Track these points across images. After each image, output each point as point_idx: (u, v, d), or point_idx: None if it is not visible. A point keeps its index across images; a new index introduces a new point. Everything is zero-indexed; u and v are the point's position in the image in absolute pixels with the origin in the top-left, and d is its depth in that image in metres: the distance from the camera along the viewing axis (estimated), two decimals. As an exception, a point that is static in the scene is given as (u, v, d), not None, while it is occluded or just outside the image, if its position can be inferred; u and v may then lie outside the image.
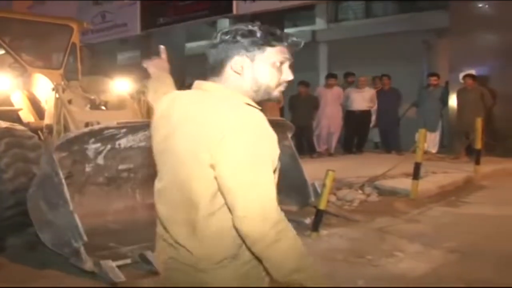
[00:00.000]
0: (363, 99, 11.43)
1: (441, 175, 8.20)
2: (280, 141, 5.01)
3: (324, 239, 4.98)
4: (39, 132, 5.95)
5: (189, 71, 17.28)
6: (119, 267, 4.17)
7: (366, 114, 11.52)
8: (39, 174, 4.53)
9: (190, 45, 17.74)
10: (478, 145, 8.83)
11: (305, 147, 10.87)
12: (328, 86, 11.52)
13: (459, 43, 11.07)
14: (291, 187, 5.82)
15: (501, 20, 10.45)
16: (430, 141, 10.40)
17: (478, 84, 10.36)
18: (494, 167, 9.05)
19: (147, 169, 5.06)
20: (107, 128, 4.56)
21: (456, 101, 10.77)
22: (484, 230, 5.53)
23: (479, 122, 8.85)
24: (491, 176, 8.57)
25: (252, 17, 13.25)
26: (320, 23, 16.93)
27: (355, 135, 11.66)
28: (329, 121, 11.33)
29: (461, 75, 10.76)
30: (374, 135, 12.45)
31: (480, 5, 11.16)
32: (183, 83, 13.33)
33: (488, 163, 9.01)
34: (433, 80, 11.30)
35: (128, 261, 4.34)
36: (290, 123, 5.95)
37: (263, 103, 1.93)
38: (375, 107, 11.74)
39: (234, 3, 13.08)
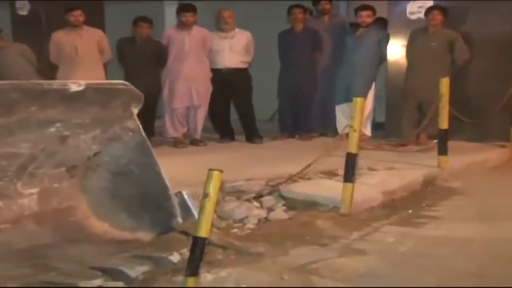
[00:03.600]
0: (231, 49, 9.86)
1: (386, 174, 7.35)
2: (121, 122, 5.13)
3: (208, 291, 4.13)
4: None
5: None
6: None
7: (240, 74, 9.96)
8: None
9: None
10: (444, 123, 7.66)
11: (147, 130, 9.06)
12: (182, 24, 9.59)
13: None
14: (142, 200, 5.31)
15: None
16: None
17: (446, 25, 9.09)
18: (468, 158, 8.21)
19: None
20: None
21: (402, 52, 9.69)
22: (467, 264, 4.76)
23: (445, 84, 7.61)
24: (464, 173, 7.74)
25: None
26: None
27: (227, 110, 10.24)
28: (189, 84, 9.67)
29: (416, 5, 9.64)
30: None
31: None
32: None
33: (458, 152, 8.12)
34: (365, 16, 9.77)
35: None
36: (136, 89, 5.19)
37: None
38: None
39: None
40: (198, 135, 9.92)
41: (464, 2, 9.46)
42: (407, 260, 4.98)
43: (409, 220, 6.14)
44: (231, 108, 10.33)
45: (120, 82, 5.37)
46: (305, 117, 10.24)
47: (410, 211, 6.43)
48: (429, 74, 8.68)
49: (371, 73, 10.07)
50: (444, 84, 7.63)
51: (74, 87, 4.79)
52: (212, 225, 4.89)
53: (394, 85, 9.99)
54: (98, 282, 4.45)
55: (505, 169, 8.45)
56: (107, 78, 9.31)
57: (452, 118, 7.97)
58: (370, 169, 7.54)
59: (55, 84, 5.00)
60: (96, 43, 9.68)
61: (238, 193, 6.50)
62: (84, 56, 9.45)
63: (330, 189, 6.45)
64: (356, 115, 5.94)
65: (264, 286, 4.52)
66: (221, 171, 4.41)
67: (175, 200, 5.22)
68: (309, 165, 6.54)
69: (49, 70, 9.83)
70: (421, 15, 9.49)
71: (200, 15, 9.93)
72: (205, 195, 4.31)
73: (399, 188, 6.89)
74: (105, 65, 9.88)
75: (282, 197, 6.45)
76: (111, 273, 4.58)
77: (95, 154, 5.35)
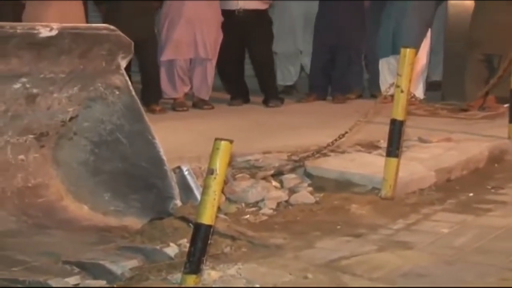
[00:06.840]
0: None
1: (441, 147, 7.46)
2: (104, 77, 5.34)
3: (214, 291, 4.13)
4: None
5: None
6: None
7: (258, 17, 10.09)
8: None
9: None
10: None
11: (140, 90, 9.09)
12: None
13: None
14: (130, 178, 5.45)
15: None
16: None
17: None
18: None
19: None
20: None
21: None
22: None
23: None
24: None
25: None
26: None
27: (240, 64, 10.33)
28: (193, 30, 9.66)
29: None
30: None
31: None
32: None
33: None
34: None
35: None
36: (124, 35, 5.35)
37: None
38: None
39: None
40: (203, 95, 9.79)
41: None
42: (464, 256, 5.04)
43: (469, 206, 6.19)
44: (246, 62, 10.28)
45: (104, 25, 5.41)
46: (343, 73, 10.33)
47: (470, 194, 6.51)
48: (502, 18, 8.63)
49: (425, 16, 9.97)
50: None
51: (44, 32, 4.84)
52: (219, 209, 5.03)
53: (456, 32, 9.95)
54: (73, 280, 4.48)
55: None
56: (87, 21, 9.16)
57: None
58: (421, 140, 7.56)
59: (20, 27, 4.98)
60: None
61: (252, 170, 6.64)
62: None
63: (369, 165, 6.54)
64: (404, 70, 5.96)
65: (283, 286, 4.57)
66: (231, 141, 4.40)
67: (172, 178, 5.27)
68: (343, 135, 6.53)
69: (11, 10, 9.70)
70: None
71: None
72: (210, 171, 4.32)
73: (457, 165, 6.95)
74: (85, 4, 9.65)
75: (308, 175, 6.56)
76: (90, 269, 4.66)
77: (71, 119, 5.40)
